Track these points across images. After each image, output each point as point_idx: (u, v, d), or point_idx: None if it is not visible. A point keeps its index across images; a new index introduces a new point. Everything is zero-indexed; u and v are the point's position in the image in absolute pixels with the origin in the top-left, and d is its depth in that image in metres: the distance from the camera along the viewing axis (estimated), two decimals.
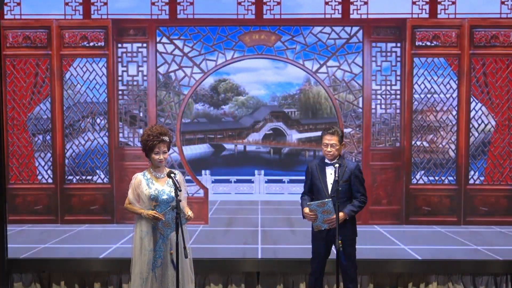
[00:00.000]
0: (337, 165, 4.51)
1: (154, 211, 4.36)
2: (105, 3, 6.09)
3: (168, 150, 4.49)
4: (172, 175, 4.30)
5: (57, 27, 6.08)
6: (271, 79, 6.22)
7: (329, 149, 4.64)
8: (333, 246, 4.68)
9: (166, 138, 4.41)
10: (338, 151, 4.67)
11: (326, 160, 4.71)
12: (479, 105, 6.09)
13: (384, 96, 6.13)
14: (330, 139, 4.63)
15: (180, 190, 4.24)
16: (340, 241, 4.37)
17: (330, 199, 4.51)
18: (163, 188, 4.43)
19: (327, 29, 6.09)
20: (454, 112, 6.11)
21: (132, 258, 4.46)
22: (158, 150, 4.38)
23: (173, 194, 4.32)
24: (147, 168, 4.55)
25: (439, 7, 6.04)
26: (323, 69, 6.13)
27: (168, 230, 4.37)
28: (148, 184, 4.42)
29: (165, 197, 4.41)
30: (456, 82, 6.08)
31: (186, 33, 6.13)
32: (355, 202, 4.65)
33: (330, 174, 4.66)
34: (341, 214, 4.53)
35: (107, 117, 6.16)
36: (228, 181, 6.35)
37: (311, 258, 4.83)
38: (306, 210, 4.60)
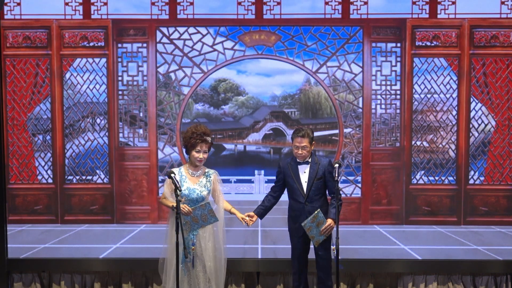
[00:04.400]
0: (336, 165, 4.56)
1: (184, 205, 4.44)
2: (105, 3, 6.09)
3: (209, 151, 4.57)
4: (173, 175, 4.34)
5: (57, 27, 6.09)
6: (271, 79, 6.22)
7: (300, 151, 4.71)
8: (311, 243, 4.80)
9: (209, 139, 4.53)
10: (308, 152, 4.74)
11: (298, 159, 4.76)
12: (479, 105, 6.09)
13: (384, 96, 6.13)
14: (301, 142, 4.68)
15: (180, 190, 4.29)
16: (337, 239, 4.42)
17: (319, 210, 4.62)
18: (194, 187, 4.52)
19: (327, 29, 6.09)
20: (454, 112, 6.11)
21: (167, 254, 4.54)
22: (199, 148, 4.48)
23: (203, 194, 4.50)
24: (183, 164, 4.66)
25: (439, 7, 6.04)
26: (323, 69, 6.13)
27: (195, 226, 4.47)
28: (181, 181, 4.50)
29: (194, 196, 4.51)
30: (456, 82, 6.08)
31: (186, 33, 6.13)
32: (333, 203, 4.66)
33: (304, 173, 4.76)
34: (330, 221, 4.65)
35: (107, 117, 6.16)
36: (228, 181, 6.35)
37: (291, 256, 4.94)
38: (246, 217, 4.70)
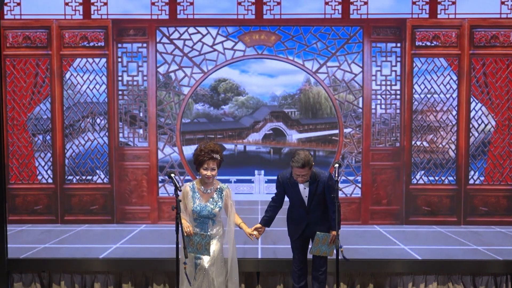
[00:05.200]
0: (336, 165, 4.62)
1: (188, 226, 4.47)
2: (105, 3, 6.09)
3: (218, 168, 4.61)
4: (173, 175, 4.37)
5: (57, 27, 6.08)
6: (271, 79, 6.22)
7: (300, 178, 4.76)
8: (310, 242, 4.93)
9: (217, 156, 4.54)
10: (308, 176, 4.74)
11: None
12: (479, 105, 6.09)
13: (384, 96, 6.13)
14: (301, 172, 4.68)
15: (180, 190, 4.31)
16: (339, 241, 4.48)
17: (317, 233, 4.73)
18: (206, 204, 4.56)
19: (327, 29, 6.09)
20: (454, 112, 6.11)
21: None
22: (206, 166, 4.52)
23: (214, 211, 4.55)
24: (196, 179, 4.69)
25: (439, 7, 6.04)
26: (323, 69, 6.13)
27: (189, 248, 4.46)
28: (193, 198, 4.54)
29: (205, 213, 4.55)
30: (456, 82, 6.08)
31: (186, 33, 6.13)
32: (332, 216, 4.72)
33: (304, 189, 4.80)
34: (334, 233, 4.73)
35: (107, 117, 6.16)
36: (228, 181, 6.35)
37: (292, 256, 5.03)
38: (253, 231, 4.80)
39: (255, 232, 4.80)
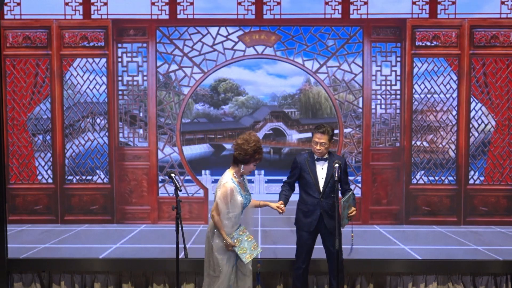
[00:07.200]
0: (336, 165, 4.58)
1: (231, 242, 4.48)
2: (105, 3, 6.09)
3: None
4: (173, 175, 4.36)
5: (57, 27, 6.08)
6: (271, 79, 6.22)
7: (318, 147, 4.76)
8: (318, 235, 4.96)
9: None
10: (326, 149, 4.82)
11: (316, 156, 4.78)
12: (479, 105, 6.09)
13: (384, 96, 6.13)
14: (320, 138, 4.74)
15: (180, 190, 4.30)
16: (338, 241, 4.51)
17: (351, 192, 4.74)
18: (246, 193, 4.59)
19: (327, 29, 6.09)
20: (454, 112, 6.11)
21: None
22: (256, 163, 4.54)
23: (251, 198, 4.61)
24: (231, 172, 4.58)
25: (439, 7, 6.04)
26: (323, 69, 6.13)
27: (249, 253, 4.55)
28: (239, 192, 4.52)
29: (247, 202, 4.60)
30: (456, 82, 6.08)
31: (186, 33, 6.13)
32: (346, 193, 4.84)
33: (321, 169, 4.81)
34: (354, 209, 4.81)
35: (107, 117, 6.16)
36: None
37: (297, 252, 5.03)
38: (280, 205, 4.75)
39: (282, 206, 4.77)
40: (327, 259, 5.06)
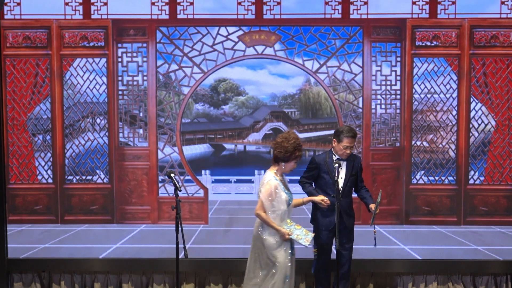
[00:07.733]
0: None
1: (285, 231, 4.51)
2: (105, 3, 6.09)
3: None
4: (173, 175, 4.36)
5: (57, 27, 6.08)
6: (271, 79, 6.22)
7: (349, 151, 4.88)
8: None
9: None
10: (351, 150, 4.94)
11: (335, 157, 4.82)
12: (479, 105, 6.09)
13: (384, 96, 6.13)
14: (352, 142, 4.86)
15: (180, 190, 4.30)
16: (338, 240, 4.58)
17: (380, 191, 4.86)
18: (289, 191, 4.63)
19: (327, 29, 6.09)
20: (454, 112, 6.11)
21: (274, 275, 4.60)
22: (296, 160, 4.57)
23: (291, 196, 4.63)
24: (272, 171, 4.62)
25: (439, 7, 6.04)
26: (323, 69, 6.13)
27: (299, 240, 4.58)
28: (283, 189, 4.56)
29: (291, 198, 4.64)
30: (456, 82, 6.08)
31: (186, 33, 6.13)
32: (367, 193, 5.03)
33: (341, 169, 4.87)
34: (373, 206, 4.90)
35: (107, 117, 6.16)
36: (228, 181, 6.35)
37: (317, 253, 5.02)
38: (322, 197, 4.81)
39: (325, 198, 4.82)
40: (337, 261, 4.97)
